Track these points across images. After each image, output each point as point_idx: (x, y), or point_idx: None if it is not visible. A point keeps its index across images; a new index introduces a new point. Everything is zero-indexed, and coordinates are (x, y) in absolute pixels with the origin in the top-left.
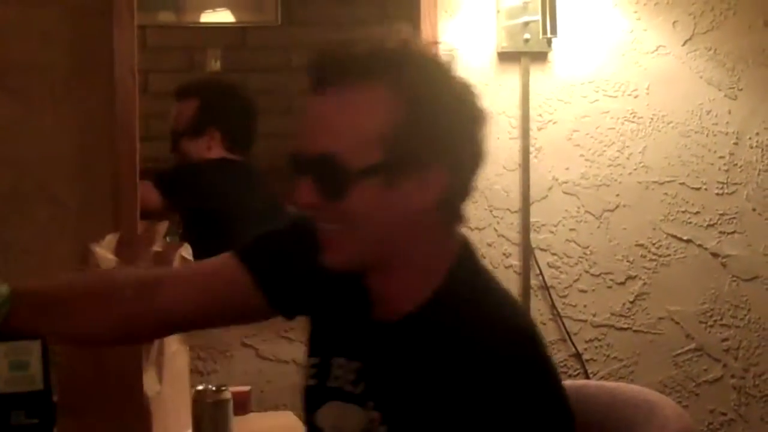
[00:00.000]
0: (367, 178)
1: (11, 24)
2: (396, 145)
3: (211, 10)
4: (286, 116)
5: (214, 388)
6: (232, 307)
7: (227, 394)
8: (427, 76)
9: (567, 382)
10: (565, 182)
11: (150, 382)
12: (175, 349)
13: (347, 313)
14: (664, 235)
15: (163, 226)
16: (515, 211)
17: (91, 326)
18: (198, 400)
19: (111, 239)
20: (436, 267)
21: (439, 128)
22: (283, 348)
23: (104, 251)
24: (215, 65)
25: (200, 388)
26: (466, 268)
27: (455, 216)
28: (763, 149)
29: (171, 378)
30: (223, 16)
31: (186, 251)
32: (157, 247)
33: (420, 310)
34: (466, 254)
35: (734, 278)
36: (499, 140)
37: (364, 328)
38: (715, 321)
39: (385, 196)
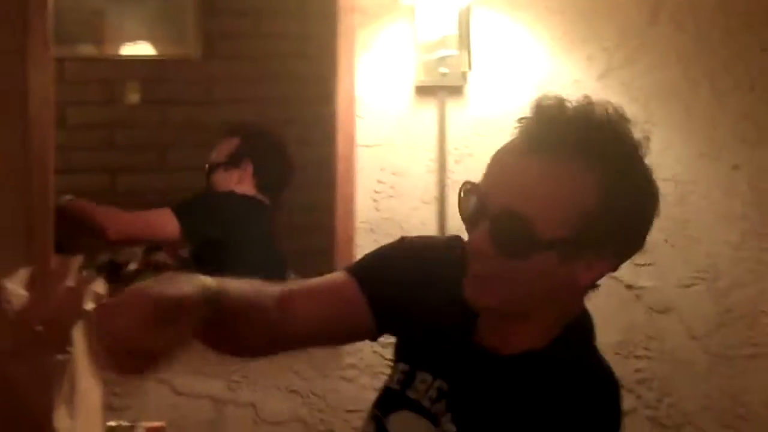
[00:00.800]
0: (548, 250)
1: None
2: (585, 227)
3: (131, 43)
4: (206, 149)
5: (127, 424)
6: (346, 325)
7: (140, 430)
8: (628, 165)
9: None
10: None
11: (61, 419)
12: (88, 384)
13: (446, 333)
14: None
15: (76, 261)
16: None
17: (249, 341)
18: None
19: (23, 274)
20: (561, 321)
21: (625, 221)
22: (198, 383)
23: (16, 286)
24: (134, 98)
25: (112, 424)
26: (582, 328)
27: (595, 288)
28: (676, 183)
29: (83, 414)
30: (143, 49)
31: (99, 286)
32: (70, 282)
33: (537, 351)
34: (585, 318)
35: (648, 310)
36: (416, 174)
37: (463, 351)
38: (630, 352)
39: (554, 270)
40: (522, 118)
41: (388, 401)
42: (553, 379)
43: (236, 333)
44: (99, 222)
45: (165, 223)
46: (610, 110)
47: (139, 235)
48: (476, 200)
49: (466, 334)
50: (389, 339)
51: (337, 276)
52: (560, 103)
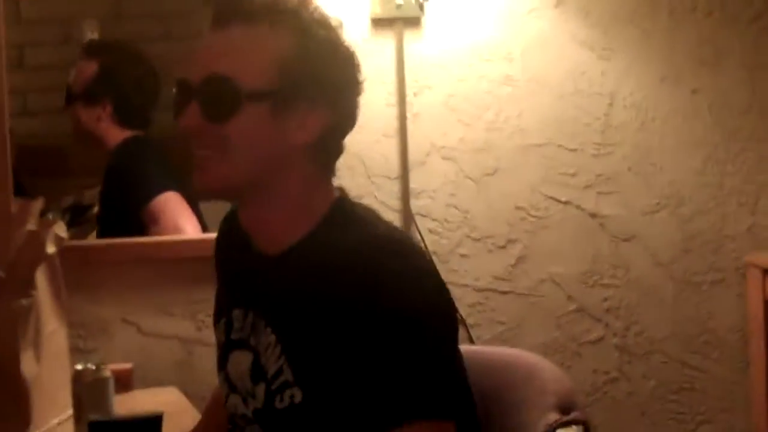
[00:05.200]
0: (256, 102)
1: None
2: (286, 76)
3: None
4: (166, 85)
5: (93, 367)
6: None
7: (107, 373)
8: (319, 26)
9: None
10: (443, 147)
11: (28, 363)
12: (54, 328)
13: (237, 264)
14: (543, 198)
15: (37, 205)
16: (394, 178)
17: None
18: (77, 379)
19: None
20: (313, 209)
21: (326, 70)
22: (165, 324)
23: None
24: (92, 36)
25: (79, 367)
26: (341, 212)
27: (329, 164)
28: (637, 109)
29: (50, 358)
30: None
31: (60, 229)
32: (31, 226)
33: (299, 243)
34: (342, 201)
35: (613, 238)
36: (376, 107)
37: (250, 266)
38: (596, 281)
39: (268, 126)
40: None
41: (222, 354)
42: (328, 256)
43: None
44: None
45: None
46: None
47: None
48: (180, 86)
49: (247, 251)
50: None
51: None
52: None
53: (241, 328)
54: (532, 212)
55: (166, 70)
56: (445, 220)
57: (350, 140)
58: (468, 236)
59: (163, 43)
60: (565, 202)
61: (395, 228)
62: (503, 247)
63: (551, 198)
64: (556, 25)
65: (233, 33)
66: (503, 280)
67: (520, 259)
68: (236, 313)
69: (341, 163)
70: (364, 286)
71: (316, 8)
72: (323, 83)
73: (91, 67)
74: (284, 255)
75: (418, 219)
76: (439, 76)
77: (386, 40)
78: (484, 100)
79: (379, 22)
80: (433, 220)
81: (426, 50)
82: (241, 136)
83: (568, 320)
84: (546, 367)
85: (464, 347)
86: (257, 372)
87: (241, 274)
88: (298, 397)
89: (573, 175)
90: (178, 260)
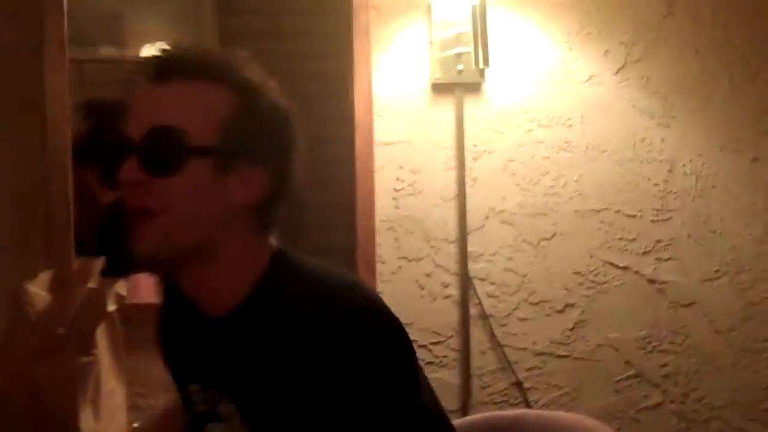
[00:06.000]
0: (200, 157)
1: None
2: (228, 133)
3: (150, 44)
4: None
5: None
6: None
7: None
8: (259, 86)
9: (507, 411)
10: (502, 211)
11: (87, 421)
12: (112, 385)
13: (186, 334)
14: (601, 263)
15: (98, 264)
16: (452, 241)
17: None
18: None
19: (45, 277)
20: (253, 266)
21: (267, 130)
22: None
23: (38, 289)
24: None
25: (137, 425)
26: (282, 264)
27: (268, 224)
28: (696, 176)
29: (108, 415)
30: None
31: (120, 287)
32: (91, 284)
33: (243, 303)
34: (280, 255)
35: (672, 304)
36: (435, 171)
37: (198, 334)
38: (654, 347)
39: (210, 182)
40: (143, 59)
41: (194, 425)
42: (274, 316)
43: None
44: None
45: None
46: (239, 54)
47: None
48: (117, 141)
49: (193, 318)
50: None
51: None
52: (180, 44)
53: (204, 401)
54: (591, 277)
55: None
56: (503, 283)
57: (409, 203)
58: (526, 300)
59: None
60: (624, 268)
61: (335, 273)
62: (561, 311)
63: (609, 263)
64: (616, 92)
65: (173, 88)
66: (561, 344)
67: (578, 324)
68: (193, 388)
69: (401, 226)
70: (312, 343)
71: (255, 69)
72: (264, 142)
73: (83, 127)
74: (229, 317)
75: (476, 282)
76: (499, 141)
77: (446, 105)
78: (543, 165)
79: (439, 87)
80: (491, 283)
81: (486, 115)
82: (184, 191)
83: (625, 385)
84: None
85: (522, 411)
86: None
87: (190, 345)
88: None
89: (632, 240)
90: None
